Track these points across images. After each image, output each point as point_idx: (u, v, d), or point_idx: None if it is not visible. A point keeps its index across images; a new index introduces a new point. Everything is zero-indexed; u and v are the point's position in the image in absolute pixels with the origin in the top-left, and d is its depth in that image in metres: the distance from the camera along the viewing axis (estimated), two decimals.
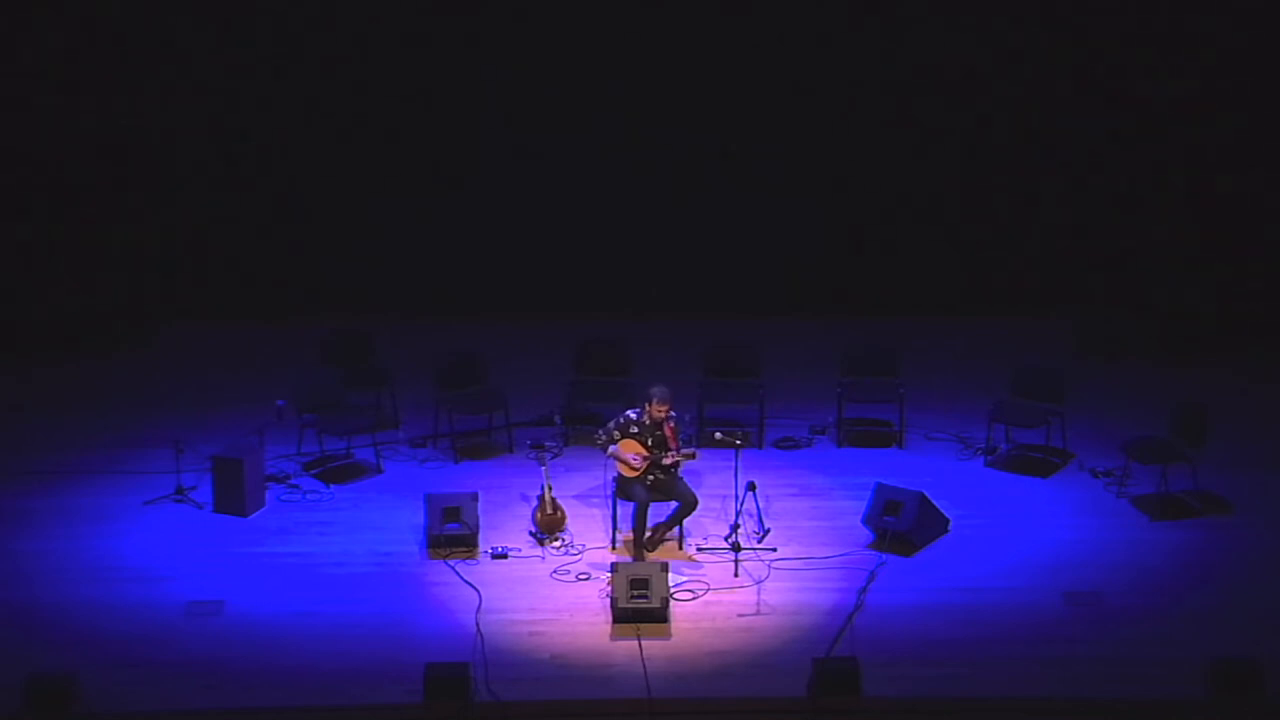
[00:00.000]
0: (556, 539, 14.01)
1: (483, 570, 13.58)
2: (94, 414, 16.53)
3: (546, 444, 14.98)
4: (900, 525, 13.77)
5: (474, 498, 13.97)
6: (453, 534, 13.83)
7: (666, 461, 13.66)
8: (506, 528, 14.21)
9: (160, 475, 14.93)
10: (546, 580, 13.47)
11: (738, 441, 13.83)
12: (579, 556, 13.82)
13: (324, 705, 11.83)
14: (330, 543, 14.11)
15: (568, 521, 14.15)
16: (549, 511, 14.05)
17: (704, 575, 13.44)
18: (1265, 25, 18.04)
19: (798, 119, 18.58)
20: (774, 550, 13.62)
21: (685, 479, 13.93)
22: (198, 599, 13.14)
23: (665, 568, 12.93)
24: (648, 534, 13.76)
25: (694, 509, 13.80)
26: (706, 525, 14.08)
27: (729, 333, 16.60)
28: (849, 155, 18.63)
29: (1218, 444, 14.61)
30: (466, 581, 13.37)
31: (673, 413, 13.77)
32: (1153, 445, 14.67)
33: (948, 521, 14.14)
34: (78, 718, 11.62)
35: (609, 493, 14.12)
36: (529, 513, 14.19)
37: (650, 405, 13.65)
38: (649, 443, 13.71)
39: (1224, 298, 18.34)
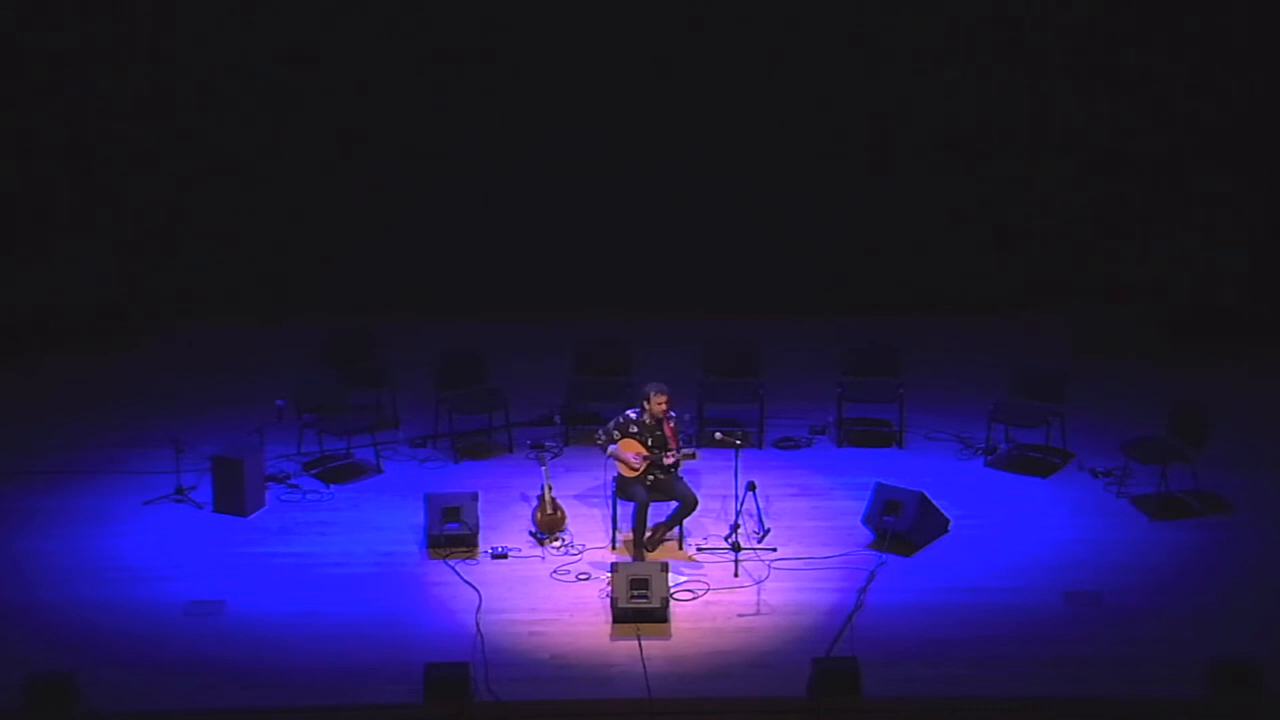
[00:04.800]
0: (556, 539, 14.01)
1: (483, 570, 13.57)
2: (94, 414, 16.52)
3: (546, 444, 14.99)
4: (900, 525, 13.76)
5: (474, 498, 13.97)
6: (453, 534, 13.82)
7: (667, 461, 13.65)
8: (506, 528, 14.20)
9: (160, 475, 14.93)
10: (546, 580, 13.46)
11: (738, 441, 13.82)
12: (579, 556, 13.81)
13: (324, 705, 11.82)
14: (330, 543, 14.10)
15: (568, 521, 14.14)
16: (549, 511, 14.05)
17: (704, 575, 13.43)
18: (1266, 22, 18.04)
19: (798, 119, 18.57)
20: (774, 550, 13.62)
21: (685, 479, 13.93)
22: (198, 599, 13.14)
23: (665, 568, 12.92)
24: (648, 534, 13.75)
25: (694, 509, 13.80)
26: (706, 525, 14.08)
27: (729, 333, 16.59)
28: (849, 155, 18.63)
29: (1218, 444, 14.59)
30: (466, 581, 13.36)
31: (672, 413, 13.77)
32: (1153, 445, 14.66)
33: (948, 521, 14.13)
34: (78, 718, 11.62)
35: (609, 493, 14.11)
36: (529, 513, 14.18)
37: (649, 401, 13.65)
38: (649, 442, 13.71)
39: (1225, 297, 18.32)
